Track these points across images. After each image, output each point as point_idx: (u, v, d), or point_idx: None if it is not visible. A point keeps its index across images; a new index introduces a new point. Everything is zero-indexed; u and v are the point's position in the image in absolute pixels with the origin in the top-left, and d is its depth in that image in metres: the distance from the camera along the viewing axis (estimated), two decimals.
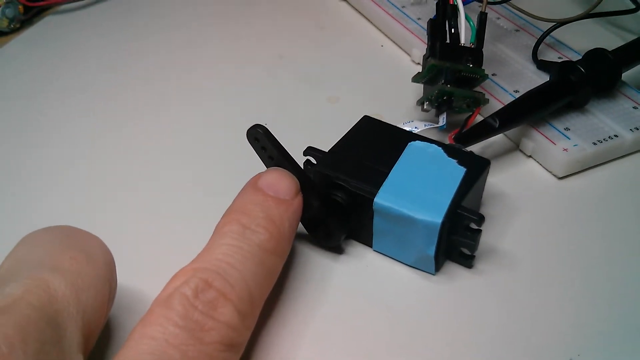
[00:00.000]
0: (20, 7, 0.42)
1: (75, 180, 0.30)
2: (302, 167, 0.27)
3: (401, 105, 0.34)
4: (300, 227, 0.26)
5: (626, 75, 0.33)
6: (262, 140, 0.24)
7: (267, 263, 0.21)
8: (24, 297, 0.17)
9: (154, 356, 0.17)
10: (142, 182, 0.30)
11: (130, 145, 0.32)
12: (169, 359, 0.17)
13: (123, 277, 0.22)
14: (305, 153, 0.27)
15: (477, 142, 0.29)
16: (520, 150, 0.32)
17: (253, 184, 0.23)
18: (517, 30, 0.39)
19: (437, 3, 0.31)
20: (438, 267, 0.25)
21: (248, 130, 0.24)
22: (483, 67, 0.31)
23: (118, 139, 0.33)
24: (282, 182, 0.23)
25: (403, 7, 0.41)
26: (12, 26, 0.42)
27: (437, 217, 0.23)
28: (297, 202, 0.23)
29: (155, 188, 0.30)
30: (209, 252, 0.21)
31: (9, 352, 0.15)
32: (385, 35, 0.41)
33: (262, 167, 0.25)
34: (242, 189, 0.23)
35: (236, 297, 0.19)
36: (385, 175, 0.25)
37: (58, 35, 0.42)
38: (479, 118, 0.30)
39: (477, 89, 0.31)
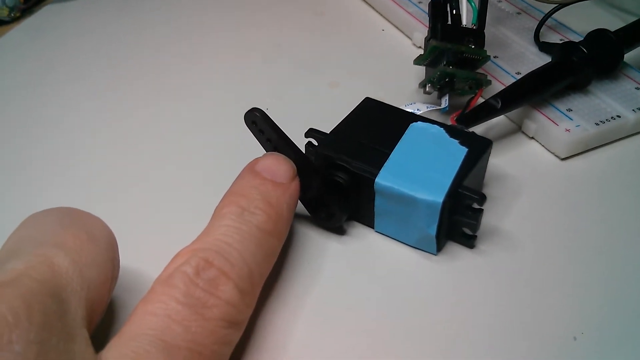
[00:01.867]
0: None
1: (76, 168, 0.30)
2: (304, 148, 0.27)
3: (403, 89, 0.34)
4: (302, 209, 0.26)
5: (629, 56, 0.33)
6: (259, 123, 0.24)
7: (266, 244, 0.22)
8: (27, 272, 0.17)
9: (156, 331, 0.18)
10: (143, 169, 0.30)
11: (130, 133, 0.32)
12: (171, 334, 0.18)
13: (125, 259, 0.22)
14: (307, 135, 0.27)
15: (479, 123, 0.29)
16: (523, 132, 0.31)
17: (250, 168, 0.23)
18: (518, 13, 0.39)
19: None
20: (440, 248, 0.25)
21: (245, 114, 0.24)
22: (485, 49, 0.31)
23: (118, 128, 0.33)
24: (279, 166, 0.23)
25: None
26: (12, 15, 0.42)
27: (438, 197, 0.23)
28: (294, 185, 0.24)
29: (156, 174, 0.30)
30: (208, 233, 0.21)
31: (15, 323, 0.15)
32: (386, 19, 0.41)
33: (261, 152, 0.25)
34: (239, 174, 0.24)
35: (236, 276, 0.20)
36: (386, 155, 0.25)
37: (58, 24, 0.42)
38: (481, 100, 0.30)
39: (479, 70, 0.31)
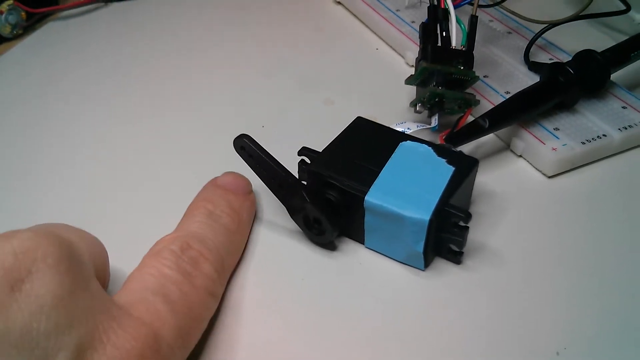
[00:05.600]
0: (23, 13, 0.43)
1: (75, 183, 0.31)
2: (297, 166, 0.28)
3: (395, 107, 0.35)
4: (295, 225, 0.27)
5: (616, 75, 0.34)
6: (247, 148, 0.26)
7: (232, 239, 0.25)
8: (43, 229, 0.18)
9: (156, 287, 0.21)
10: (142, 184, 0.31)
11: (130, 148, 0.33)
12: (168, 291, 0.21)
13: (122, 264, 0.23)
14: (300, 153, 0.28)
15: (468, 142, 0.30)
16: (511, 150, 0.32)
17: (213, 183, 0.27)
18: (509, 33, 0.39)
19: (428, 7, 0.32)
20: (427, 263, 0.26)
21: (234, 140, 0.26)
22: (474, 69, 0.32)
23: (118, 143, 0.33)
24: (237, 182, 0.27)
25: (397, 10, 0.41)
26: (14, 32, 0.43)
27: (425, 215, 0.24)
28: (252, 197, 0.28)
29: (153, 189, 0.30)
30: (185, 225, 0.25)
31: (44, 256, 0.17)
32: (380, 38, 0.42)
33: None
34: (203, 187, 0.27)
35: (212, 258, 0.23)
36: (376, 174, 0.26)
37: (60, 41, 0.43)
38: (470, 119, 0.31)
39: (469, 90, 0.32)
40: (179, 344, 0.20)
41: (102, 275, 0.21)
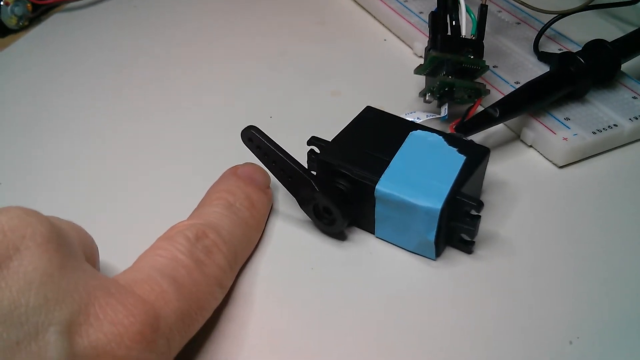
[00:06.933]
0: (29, 5, 0.43)
1: (80, 175, 0.31)
2: (307, 156, 0.28)
3: (404, 98, 0.35)
4: (305, 215, 0.27)
5: (626, 66, 0.34)
6: (255, 139, 0.26)
7: (248, 234, 0.25)
8: (30, 210, 0.18)
9: (166, 268, 0.21)
10: (149, 178, 0.31)
11: (136, 141, 0.33)
12: (178, 274, 0.21)
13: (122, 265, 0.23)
14: (309, 142, 0.28)
15: (478, 131, 0.30)
16: (521, 140, 0.32)
17: (233, 172, 0.27)
18: (518, 23, 0.39)
19: None
20: (438, 253, 0.26)
21: (241, 132, 0.26)
22: (484, 59, 0.31)
23: (125, 135, 0.33)
24: (257, 174, 0.27)
25: (405, 1, 0.41)
26: (20, 24, 0.43)
27: (437, 204, 0.24)
28: (270, 192, 0.28)
29: (160, 184, 0.30)
30: (203, 213, 0.24)
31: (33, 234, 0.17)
32: (388, 29, 0.41)
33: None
34: (223, 175, 0.27)
35: (226, 250, 0.23)
36: (387, 163, 0.26)
37: (66, 33, 0.42)
38: (480, 109, 0.31)
39: (478, 80, 0.32)
40: (179, 328, 0.20)
41: (92, 265, 0.21)
